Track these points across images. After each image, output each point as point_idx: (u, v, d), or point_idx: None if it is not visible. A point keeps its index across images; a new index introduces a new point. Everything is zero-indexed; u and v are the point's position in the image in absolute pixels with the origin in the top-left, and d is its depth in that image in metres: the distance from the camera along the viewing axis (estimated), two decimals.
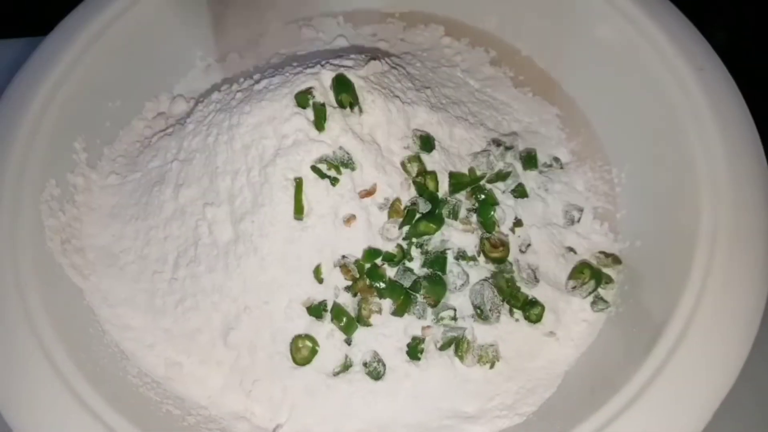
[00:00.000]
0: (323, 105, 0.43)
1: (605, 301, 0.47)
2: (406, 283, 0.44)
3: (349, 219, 0.43)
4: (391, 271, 0.44)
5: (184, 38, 0.58)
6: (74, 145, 0.50)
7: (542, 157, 0.52)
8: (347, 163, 0.43)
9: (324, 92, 0.44)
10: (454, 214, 0.46)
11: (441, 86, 0.53)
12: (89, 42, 0.52)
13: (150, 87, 0.56)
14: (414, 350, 0.43)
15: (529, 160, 0.50)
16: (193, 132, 0.48)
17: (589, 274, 0.46)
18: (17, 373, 0.40)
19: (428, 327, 0.44)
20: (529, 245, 0.47)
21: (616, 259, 0.48)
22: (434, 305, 0.44)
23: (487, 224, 0.46)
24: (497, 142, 0.50)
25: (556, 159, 0.53)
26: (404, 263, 0.44)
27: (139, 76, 0.55)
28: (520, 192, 0.49)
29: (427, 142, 0.46)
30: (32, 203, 0.46)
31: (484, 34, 0.60)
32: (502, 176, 0.48)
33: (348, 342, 0.44)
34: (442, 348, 0.43)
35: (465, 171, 0.47)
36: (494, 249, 0.45)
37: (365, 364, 0.43)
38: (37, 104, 0.48)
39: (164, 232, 0.47)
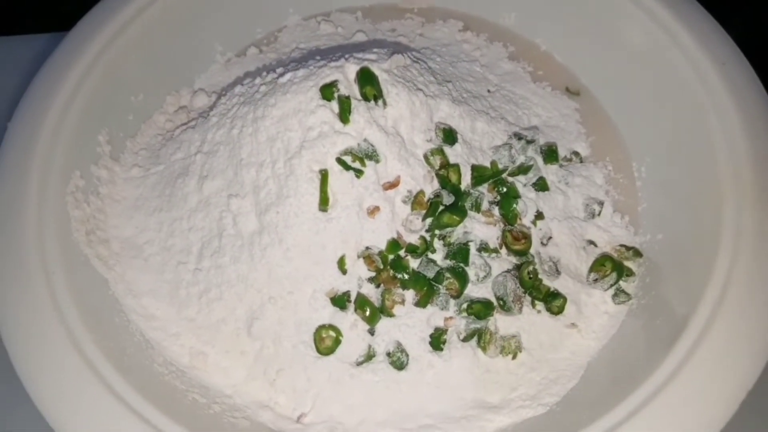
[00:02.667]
0: (348, 98, 0.44)
1: (627, 294, 0.47)
2: (429, 275, 0.44)
3: (373, 210, 0.44)
4: (414, 263, 0.45)
5: (204, 33, 0.58)
6: (98, 138, 0.51)
7: (562, 151, 0.52)
8: (371, 156, 0.44)
9: (348, 85, 0.44)
10: (477, 207, 0.46)
11: (462, 80, 0.53)
12: (112, 37, 0.52)
13: (171, 81, 0.57)
14: (437, 341, 0.43)
15: (550, 154, 0.50)
16: (217, 124, 0.48)
17: (610, 267, 0.47)
18: (47, 362, 0.40)
19: (451, 318, 0.44)
20: (550, 238, 0.48)
21: (637, 252, 0.48)
22: (457, 296, 0.44)
23: (509, 217, 0.46)
24: (518, 136, 0.50)
25: (576, 153, 0.53)
26: (427, 255, 0.45)
27: (161, 70, 0.56)
28: (541, 185, 0.49)
29: (449, 135, 0.46)
30: (58, 195, 0.46)
31: (503, 29, 0.60)
32: (523, 170, 0.48)
33: (371, 332, 0.44)
34: (465, 339, 0.44)
35: (487, 164, 0.48)
36: (516, 241, 0.46)
37: (389, 354, 0.43)
38: (62, 98, 0.49)
39: (188, 224, 0.47)
